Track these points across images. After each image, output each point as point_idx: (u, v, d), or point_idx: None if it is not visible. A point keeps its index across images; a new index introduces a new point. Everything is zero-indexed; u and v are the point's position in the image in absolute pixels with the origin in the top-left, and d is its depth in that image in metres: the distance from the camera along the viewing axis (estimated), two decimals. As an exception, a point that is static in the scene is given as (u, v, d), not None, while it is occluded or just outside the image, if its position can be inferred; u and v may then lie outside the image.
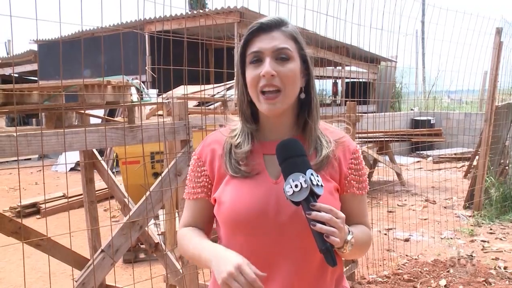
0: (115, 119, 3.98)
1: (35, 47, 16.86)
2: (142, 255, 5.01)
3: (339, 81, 17.76)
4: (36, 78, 16.42)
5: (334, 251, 1.10)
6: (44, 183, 2.55)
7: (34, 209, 7.42)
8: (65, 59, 13.82)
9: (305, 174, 1.11)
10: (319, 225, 1.08)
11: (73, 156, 11.73)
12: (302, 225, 1.14)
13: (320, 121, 1.33)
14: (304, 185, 1.09)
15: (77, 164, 12.21)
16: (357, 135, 9.23)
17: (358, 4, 3.94)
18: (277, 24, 1.24)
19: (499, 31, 6.47)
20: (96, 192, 7.95)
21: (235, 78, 1.32)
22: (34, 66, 17.31)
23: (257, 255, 1.21)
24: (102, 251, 2.28)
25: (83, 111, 2.83)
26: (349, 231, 1.17)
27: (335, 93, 18.55)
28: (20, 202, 7.20)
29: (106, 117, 3.76)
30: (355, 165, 1.31)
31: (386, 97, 16.03)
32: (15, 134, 1.99)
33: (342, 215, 1.12)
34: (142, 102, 2.81)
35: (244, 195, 1.23)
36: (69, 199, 7.81)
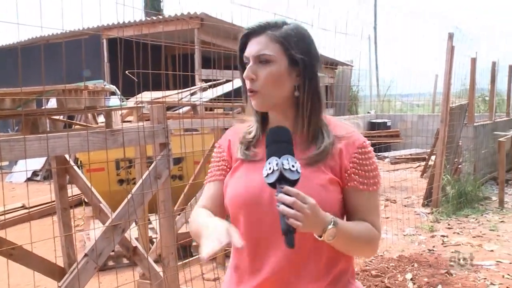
0: (97, 124, 3.94)
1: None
2: (111, 263, 4.95)
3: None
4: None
5: (294, 235, 1.12)
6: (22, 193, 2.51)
7: (-8, 221, 7.16)
8: (22, 65, 13.43)
9: (279, 158, 1.16)
10: (282, 207, 1.12)
11: (28, 165, 11.39)
12: None
13: (329, 117, 1.41)
14: (275, 168, 1.15)
15: (34, 173, 11.86)
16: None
17: (318, 9, 4.06)
18: (263, 28, 1.32)
19: (451, 36, 6.82)
20: (53, 202, 7.72)
21: (240, 76, 1.40)
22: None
23: (254, 239, 1.30)
24: (86, 255, 2.28)
25: (58, 117, 2.82)
26: (332, 222, 1.19)
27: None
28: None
29: (79, 123, 3.72)
30: (359, 160, 1.32)
31: (344, 101, 16.43)
32: (-3, 139, 1.97)
33: (311, 201, 1.14)
34: (119, 107, 2.83)
35: (243, 181, 1.33)
36: (29, 210, 7.59)
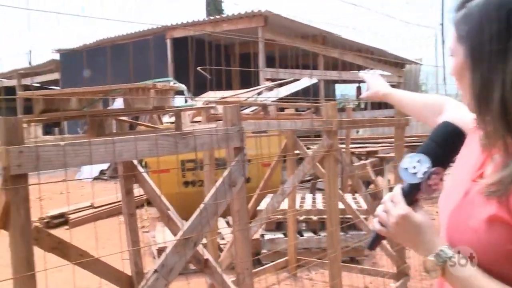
0: (161, 126, 3.78)
1: (57, 56, 16.93)
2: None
3: (363, 85, 17.44)
4: (58, 88, 16.49)
5: (378, 239, 1.07)
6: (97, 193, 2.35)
7: (62, 220, 7.29)
8: (87, 66, 13.84)
9: (411, 156, 1.01)
10: (380, 206, 1.04)
11: (96, 165, 11.63)
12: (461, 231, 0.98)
13: None
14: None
15: (101, 172, 12.12)
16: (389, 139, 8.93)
17: None
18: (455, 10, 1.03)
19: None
20: (119, 202, 7.77)
21: None
22: (55, 76, 17.38)
23: None
24: (156, 271, 2.07)
25: (125, 118, 2.64)
26: (436, 253, 0.94)
27: (359, 97, 18.27)
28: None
29: (146, 124, 3.57)
30: None
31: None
32: (62, 143, 1.79)
33: (399, 210, 0.98)
34: (189, 107, 2.61)
35: (451, 177, 1.10)
36: (97, 209, 7.67)
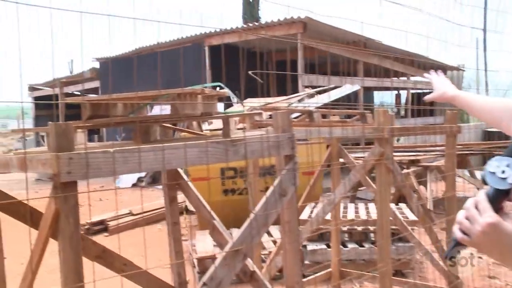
0: (201, 131, 3.73)
1: (97, 65, 17.29)
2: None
3: (402, 92, 17.07)
4: (96, 96, 16.82)
5: (458, 248, 0.96)
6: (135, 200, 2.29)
7: (102, 227, 7.35)
8: (126, 75, 14.09)
9: (499, 160, 0.91)
10: (461, 211, 0.93)
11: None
12: None
13: None
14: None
15: (139, 179, 12.23)
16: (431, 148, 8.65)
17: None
18: None
19: None
20: (158, 210, 7.74)
21: None
22: (96, 83, 17.75)
23: None
24: (205, 284, 1.98)
25: (169, 124, 2.58)
26: None
27: (398, 104, 17.91)
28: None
29: (189, 130, 3.52)
30: None
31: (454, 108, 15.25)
32: (111, 150, 1.73)
33: (487, 218, 0.87)
34: (239, 113, 2.53)
35: None
36: (136, 216, 7.69)
